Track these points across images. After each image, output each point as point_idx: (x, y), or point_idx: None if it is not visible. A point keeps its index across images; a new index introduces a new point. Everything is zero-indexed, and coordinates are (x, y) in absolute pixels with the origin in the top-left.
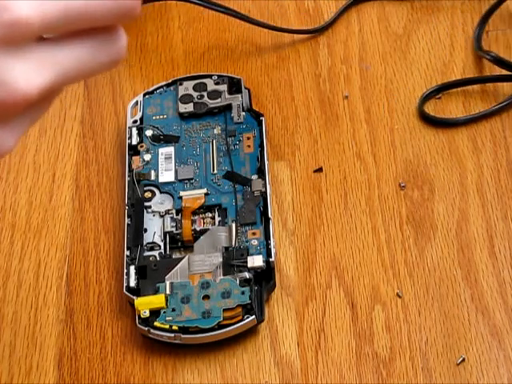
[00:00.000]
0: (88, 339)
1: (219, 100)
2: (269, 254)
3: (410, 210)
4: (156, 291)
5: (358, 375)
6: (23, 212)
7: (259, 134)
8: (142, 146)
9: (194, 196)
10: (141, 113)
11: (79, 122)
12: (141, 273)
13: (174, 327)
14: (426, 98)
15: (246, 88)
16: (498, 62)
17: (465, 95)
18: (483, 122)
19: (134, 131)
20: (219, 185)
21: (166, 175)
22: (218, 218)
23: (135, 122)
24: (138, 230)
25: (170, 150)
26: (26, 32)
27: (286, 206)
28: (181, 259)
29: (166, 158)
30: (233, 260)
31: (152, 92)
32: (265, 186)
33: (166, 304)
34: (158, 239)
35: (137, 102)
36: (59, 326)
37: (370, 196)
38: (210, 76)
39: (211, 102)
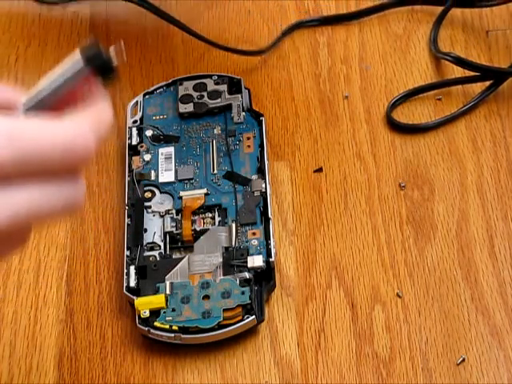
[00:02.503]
0: (88, 339)
1: (219, 100)
2: (269, 254)
3: (410, 210)
4: (156, 291)
5: (358, 375)
6: None
7: (259, 134)
8: (142, 146)
9: (194, 196)
10: (141, 113)
11: None
12: (141, 273)
13: (174, 327)
14: (394, 105)
15: (246, 88)
16: (460, 62)
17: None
18: (460, 123)
19: (134, 131)
20: (219, 185)
21: (166, 175)
22: (218, 218)
23: (135, 122)
24: (137, 229)
25: (170, 150)
26: None
27: (285, 206)
28: (181, 259)
29: (166, 158)
30: (233, 260)
31: (152, 92)
32: (265, 186)
33: (166, 304)
34: (158, 239)
35: (137, 102)
36: (59, 326)
37: (370, 196)
38: (210, 76)
39: (211, 102)
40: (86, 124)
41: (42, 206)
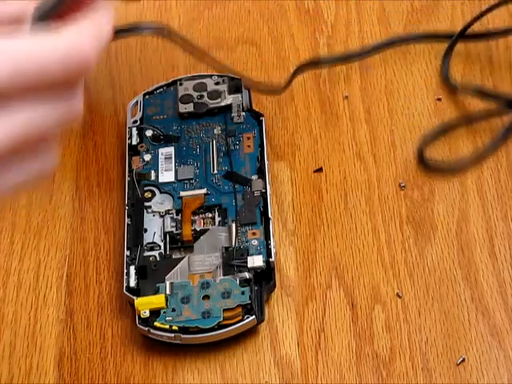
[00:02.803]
0: (88, 339)
1: (219, 100)
2: (269, 254)
3: (410, 209)
4: (156, 291)
5: (358, 375)
6: (23, 212)
7: (259, 134)
8: (142, 146)
9: (194, 196)
10: (141, 113)
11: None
12: (141, 273)
13: (174, 327)
14: (425, 142)
15: (246, 88)
16: (481, 94)
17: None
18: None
19: (134, 131)
20: (219, 185)
21: (166, 175)
22: (218, 218)
23: (135, 122)
24: (138, 230)
25: (170, 150)
26: None
27: (285, 206)
28: (181, 259)
29: (166, 158)
30: (233, 260)
31: (152, 92)
32: (265, 186)
33: (166, 304)
34: (158, 239)
35: (137, 102)
36: (59, 325)
37: (370, 196)
38: (209, 76)
39: (211, 101)
40: (87, 32)
41: (42, 122)
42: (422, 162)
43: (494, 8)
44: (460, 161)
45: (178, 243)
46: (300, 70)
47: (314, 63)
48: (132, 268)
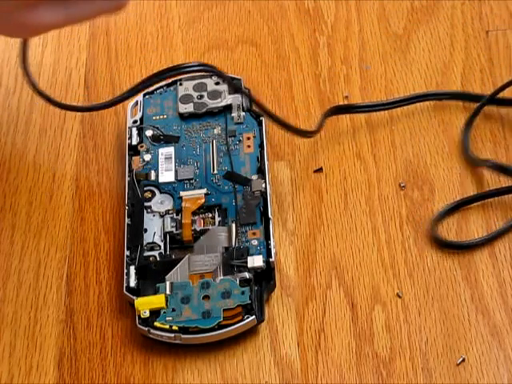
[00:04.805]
0: (88, 339)
1: (219, 100)
2: (269, 254)
3: (410, 209)
4: (156, 291)
5: (358, 375)
6: (23, 212)
7: (259, 134)
8: (142, 146)
9: (194, 196)
10: (141, 113)
11: (79, 121)
12: (141, 273)
13: (174, 327)
14: (439, 220)
15: (246, 88)
16: (502, 170)
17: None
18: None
19: (134, 131)
20: (219, 185)
21: (166, 175)
22: (218, 218)
23: (135, 122)
24: (138, 230)
25: (170, 150)
26: None
27: (285, 206)
28: (181, 259)
29: (166, 158)
30: (233, 260)
31: (152, 92)
32: (265, 186)
33: (166, 304)
34: (158, 239)
35: (137, 102)
36: (59, 325)
37: (370, 196)
38: (210, 76)
39: (211, 102)
40: None
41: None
42: (435, 240)
43: None
44: (477, 239)
45: (178, 243)
46: (331, 112)
47: (346, 109)
48: (132, 268)
